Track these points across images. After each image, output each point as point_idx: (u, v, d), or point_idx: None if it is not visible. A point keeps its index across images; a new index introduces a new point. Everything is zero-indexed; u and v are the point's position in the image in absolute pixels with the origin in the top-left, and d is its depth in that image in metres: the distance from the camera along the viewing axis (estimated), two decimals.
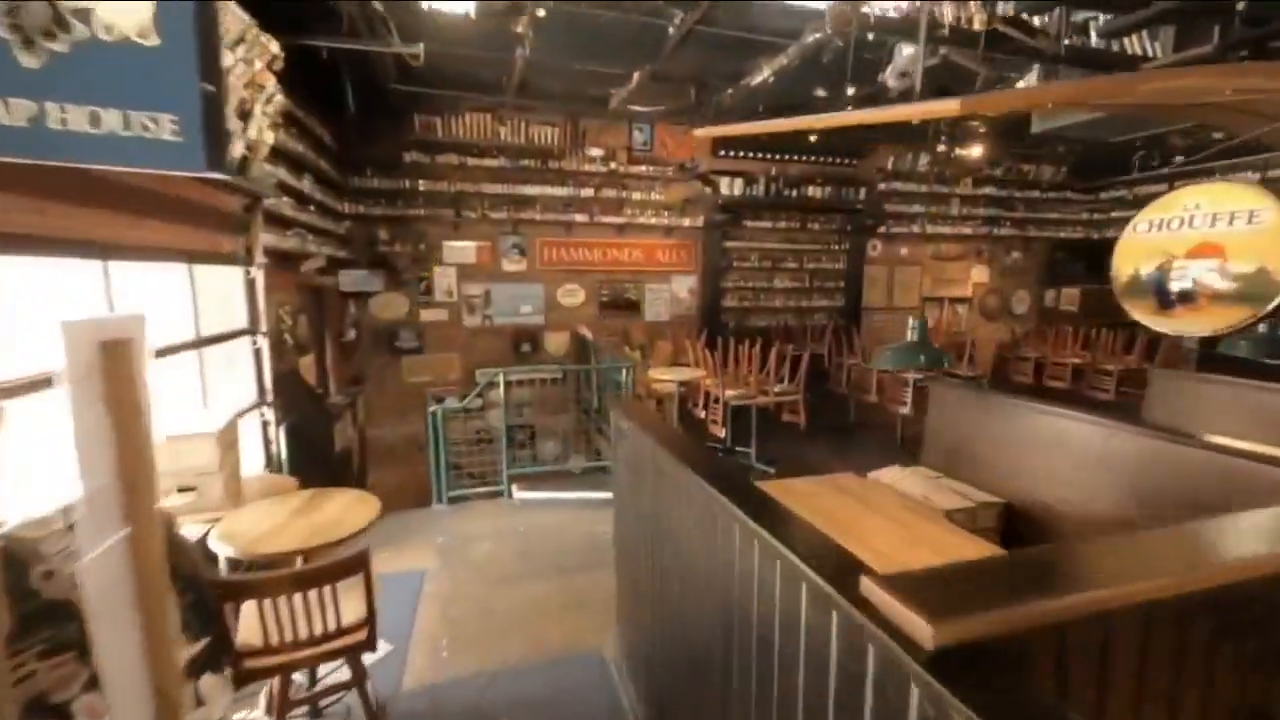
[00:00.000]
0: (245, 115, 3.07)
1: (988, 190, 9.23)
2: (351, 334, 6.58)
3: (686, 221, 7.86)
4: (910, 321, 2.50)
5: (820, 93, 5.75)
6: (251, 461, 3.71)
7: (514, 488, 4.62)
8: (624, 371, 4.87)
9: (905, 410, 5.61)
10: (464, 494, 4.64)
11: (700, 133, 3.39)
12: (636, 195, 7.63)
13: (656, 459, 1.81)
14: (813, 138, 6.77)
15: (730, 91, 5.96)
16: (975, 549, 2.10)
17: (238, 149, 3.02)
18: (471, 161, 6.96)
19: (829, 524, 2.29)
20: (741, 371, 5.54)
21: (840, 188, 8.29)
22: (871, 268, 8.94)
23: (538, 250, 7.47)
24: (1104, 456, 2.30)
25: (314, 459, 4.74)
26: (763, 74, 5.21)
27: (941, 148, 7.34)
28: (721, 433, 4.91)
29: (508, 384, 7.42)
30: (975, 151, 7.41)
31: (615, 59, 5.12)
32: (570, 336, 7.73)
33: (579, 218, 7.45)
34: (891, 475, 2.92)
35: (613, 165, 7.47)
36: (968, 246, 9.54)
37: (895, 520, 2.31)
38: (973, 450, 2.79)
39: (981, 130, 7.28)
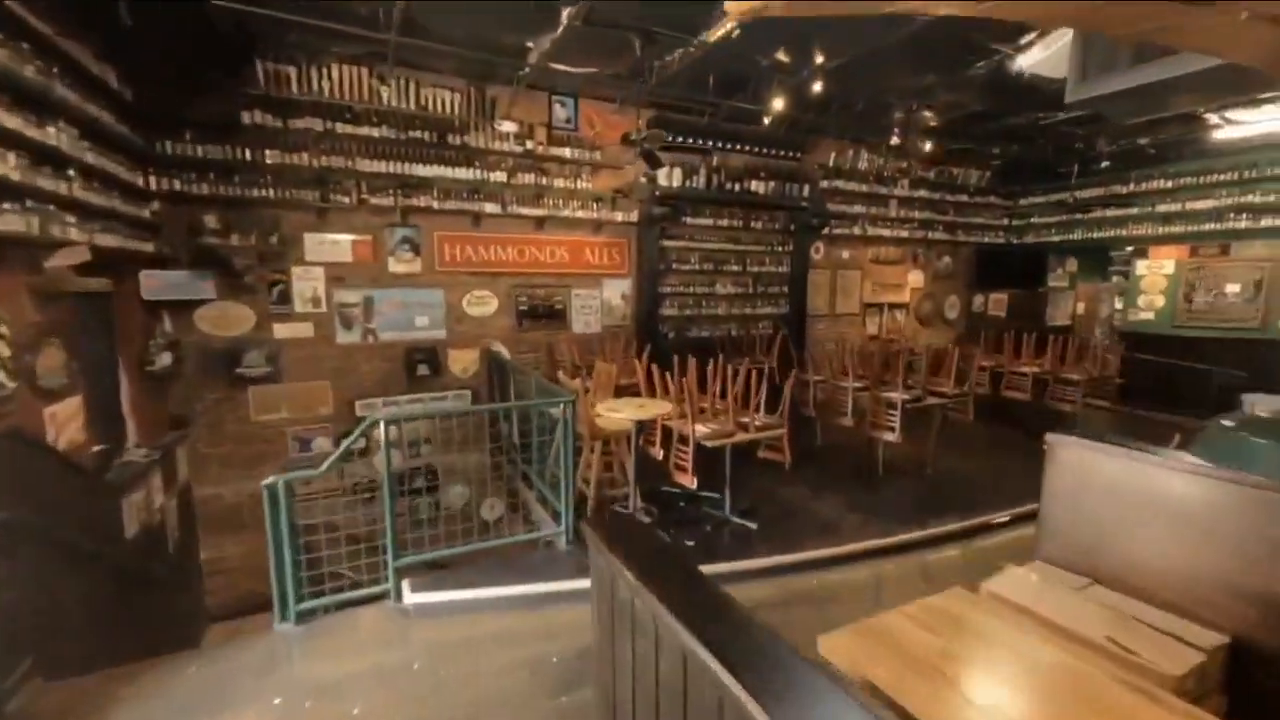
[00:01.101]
0: None
1: (922, 193, 8.92)
2: (165, 359, 4.70)
3: (619, 216, 6.68)
4: None
5: (783, 57, 4.82)
6: None
7: (405, 585, 3.17)
8: (562, 407, 3.58)
9: (892, 437, 4.80)
10: (326, 603, 3.10)
11: (731, 5, 2.21)
12: (559, 183, 6.33)
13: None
14: (767, 119, 5.88)
15: (679, 53, 4.87)
16: None
17: None
18: (343, 129, 5.32)
19: None
20: (706, 397, 4.44)
21: (783, 183, 7.52)
22: (813, 272, 8.27)
23: (436, 247, 5.94)
24: None
25: (65, 569, 2.99)
26: (726, 25, 4.16)
27: (895, 140, 6.75)
28: (690, 481, 3.76)
29: (398, 420, 5.83)
30: (926, 146, 6.91)
31: None
32: (481, 354, 6.25)
33: (489, 208, 6.02)
34: (1017, 587, 1.90)
35: (529, 145, 6.13)
36: (905, 250, 9.19)
37: None
38: (1131, 542, 1.82)
39: (933, 123, 6.78)
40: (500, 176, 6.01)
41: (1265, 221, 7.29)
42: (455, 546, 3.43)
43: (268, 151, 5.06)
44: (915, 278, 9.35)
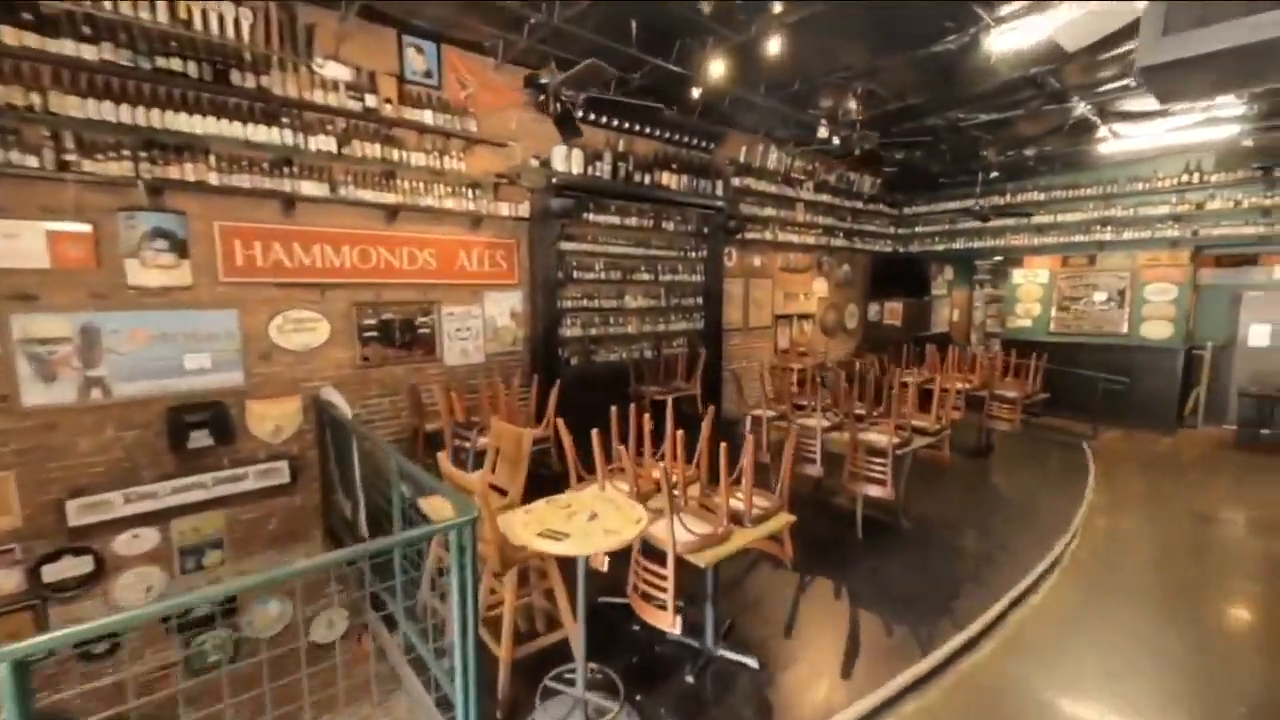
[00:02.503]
0: None
1: (825, 197, 8.43)
2: None
3: (504, 209, 5.05)
4: None
5: None
6: None
7: None
8: (455, 534, 1.97)
9: (881, 492, 3.83)
10: None
11: None
12: (419, 160, 4.54)
13: None
14: (697, 92, 4.68)
15: None
16: None
17: None
18: (19, 39, 3.07)
19: None
20: (657, 463, 3.06)
21: (695, 179, 6.42)
22: (726, 281, 7.31)
23: (219, 244, 3.84)
24: None
25: None
26: None
27: (823, 132, 5.96)
28: (670, 623, 2.36)
29: (162, 513, 3.62)
30: (845, 146, 6.24)
31: None
32: (303, 406, 4.24)
33: (309, 189, 4.06)
34: None
35: (371, 101, 4.28)
36: (811, 257, 8.66)
37: None
38: None
39: (860, 118, 6.12)
40: (326, 144, 4.09)
41: (1127, 234, 7.79)
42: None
43: None
44: (820, 286, 8.87)
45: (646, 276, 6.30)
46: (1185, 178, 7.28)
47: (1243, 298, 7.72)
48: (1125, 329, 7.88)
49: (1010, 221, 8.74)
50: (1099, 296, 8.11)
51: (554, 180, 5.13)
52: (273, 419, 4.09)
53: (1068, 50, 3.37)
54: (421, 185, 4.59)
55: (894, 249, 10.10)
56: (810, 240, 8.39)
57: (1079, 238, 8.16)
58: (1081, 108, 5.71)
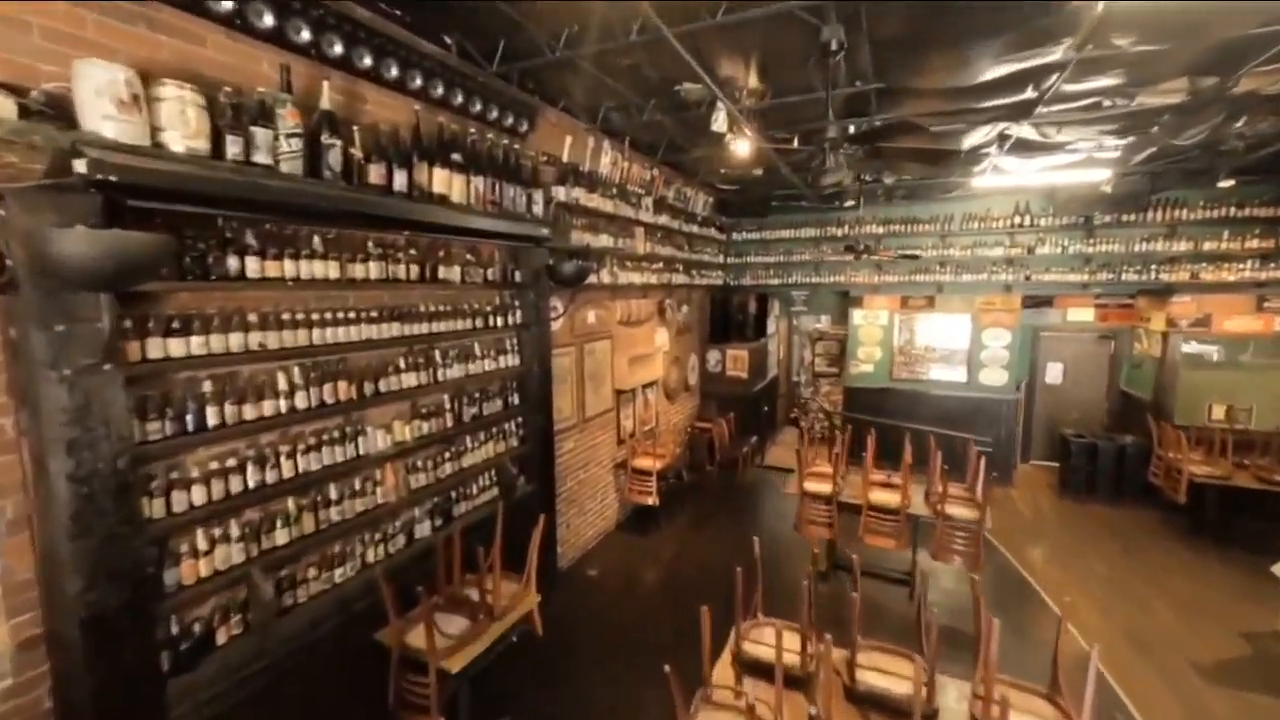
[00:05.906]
0: None
1: (664, 219, 6.14)
2: None
3: None
4: None
5: None
6: None
7: None
8: None
9: None
10: None
11: None
12: None
13: None
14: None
15: None
16: None
17: None
18: None
19: None
20: None
21: (499, 183, 3.39)
22: (554, 353, 4.43)
23: None
24: None
25: None
26: None
27: (721, 123, 3.50)
28: None
29: None
30: (742, 147, 3.94)
31: None
32: None
33: None
34: None
35: None
36: (654, 302, 6.29)
37: None
38: None
39: (763, 105, 3.86)
40: None
41: (965, 276, 7.26)
42: None
43: None
44: (663, 338, 6.58)
45: (413, 379, 3.05)
46: (1016, 219, 6.93)
47: (1041, 338, 7.89)
48: (965, 376, 7.38)
49: (849, 257, 7.69)
50: (939, 341, 7.51)
51: (104, 175, 1.60)
52: None
53: None
54: None
55: (725, 281, 8.44)
56: (653, 279, 6.02)
57: (919, 277, 7.44)
58: (1023, 128, 4.37)
